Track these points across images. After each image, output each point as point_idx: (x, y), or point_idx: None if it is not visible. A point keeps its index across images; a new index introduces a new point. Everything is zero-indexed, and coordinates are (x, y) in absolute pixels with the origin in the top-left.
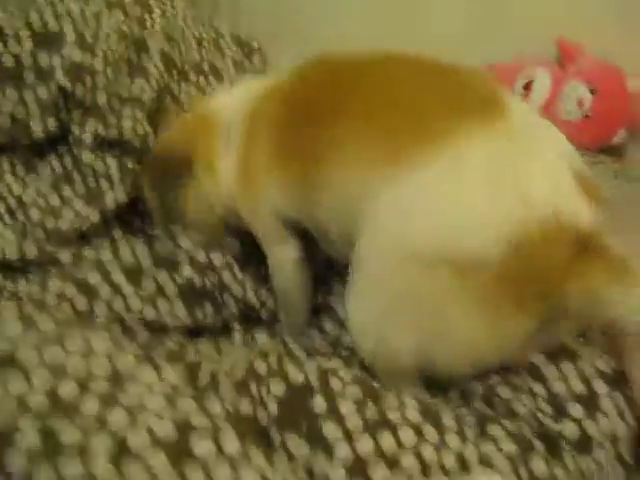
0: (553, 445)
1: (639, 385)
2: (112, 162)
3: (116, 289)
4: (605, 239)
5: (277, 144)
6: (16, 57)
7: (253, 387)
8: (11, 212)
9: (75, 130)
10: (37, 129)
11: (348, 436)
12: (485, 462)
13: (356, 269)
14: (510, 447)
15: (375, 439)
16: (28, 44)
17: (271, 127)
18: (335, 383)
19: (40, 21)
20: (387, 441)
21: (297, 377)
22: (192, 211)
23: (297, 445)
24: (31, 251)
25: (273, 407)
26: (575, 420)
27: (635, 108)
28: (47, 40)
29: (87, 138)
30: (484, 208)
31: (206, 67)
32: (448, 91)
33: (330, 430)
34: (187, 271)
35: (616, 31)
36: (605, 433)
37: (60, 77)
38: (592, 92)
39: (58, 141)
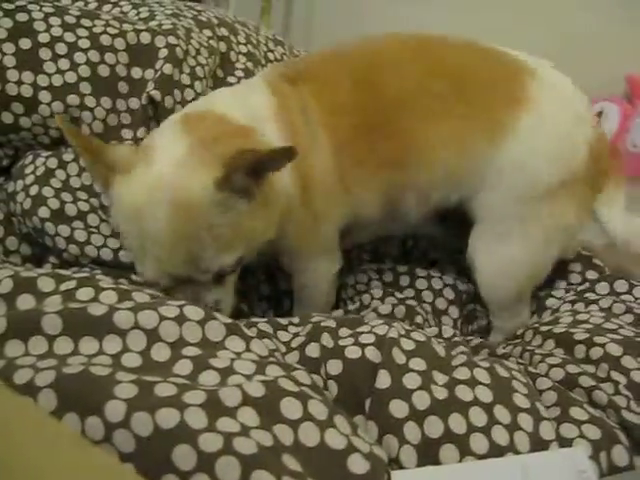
0: (634, 436)
1: None
2: None
3: None
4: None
5: (353, 144)
6: (112, 68)
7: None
8: (104, 207)
9: None
10: (127, 137)
11: (417, 417)
12: (564, 444)
13: (484, 219)
14: (594, 433)
15: (445, 420)
16: (123, 56)
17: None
18: (398, 356)
19: (135, 34)
20: (457, 423)
21: (354, 352)
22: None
23: (364, 425)
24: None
25: (333, 387)
26: None
27: None
28: (141, 53)
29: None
30: (573, 132)
31: None
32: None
33: (398, 409)
34: None
35: None
36: None
37: (151, 88)
38: None
39: None
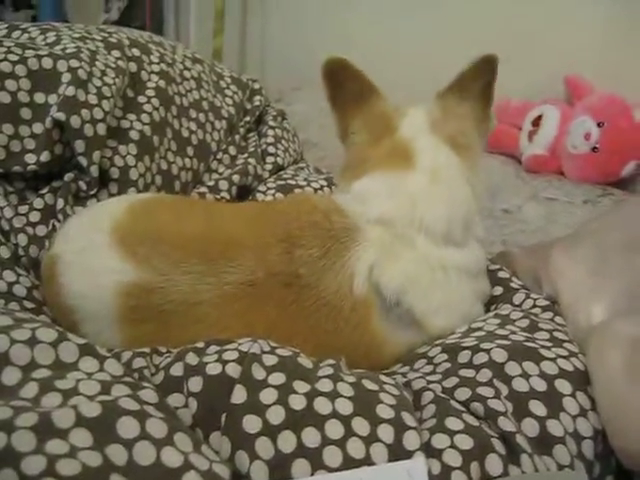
0: (511, 444)
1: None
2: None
3: None
4: None
5: None
6: (13, 94)
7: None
8: (3, 232)
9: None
10: (31, 162)
11: (270, 432)
12: (433, 454)
13: None
14: (466, 443)
15: (298, 434)
16: (25, 83)
17: None
18: (257, 371)
19: (37, 60)
20: (311, 436)
21: (214, 369)
22: None
23: (219, 441)
24: None
25: (193, 404)
26: (537, 417)
27: None
28: (43, 78)
29: (94, 171)
30: None
31: (206, 105)
32: None
33: (251, 425)
34: None
35: (622, 65)
36: (568, 432)
37: (54, 112)
38: (599, 125)
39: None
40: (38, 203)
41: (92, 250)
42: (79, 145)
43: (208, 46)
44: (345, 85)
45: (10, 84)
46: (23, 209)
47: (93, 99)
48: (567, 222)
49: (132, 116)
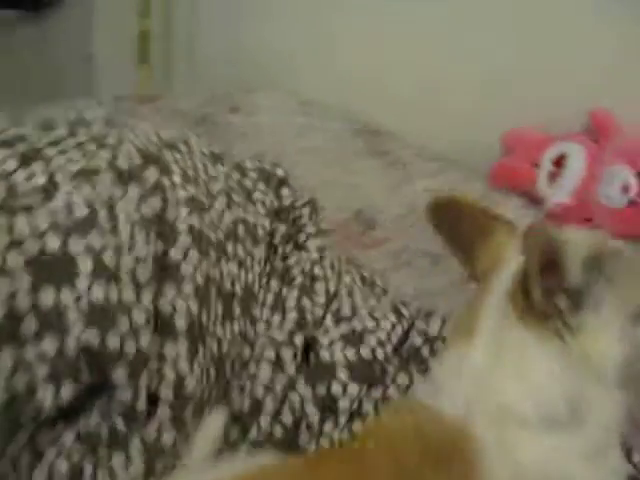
0: None
1: None
2: None
3: None
4: None
5: None
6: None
7: None
8: None
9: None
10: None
11: None
12: None
13: None
14: None
15: None
16: (26, 279)
17: None
18: None
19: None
20: None
21: None
22: None
23: None
24: None
25: None
26: None
27: None
28: (52, 270)
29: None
30: None
31: (242, 230)
32: None
33: None
34: None
35: None
36: None
37: (77, 324)
38: (638, 175)
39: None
40: None
41: None
42: None
43: None
44: (461, 225)
45: None
46: None
47: None
48: None
49: (171, 292)
